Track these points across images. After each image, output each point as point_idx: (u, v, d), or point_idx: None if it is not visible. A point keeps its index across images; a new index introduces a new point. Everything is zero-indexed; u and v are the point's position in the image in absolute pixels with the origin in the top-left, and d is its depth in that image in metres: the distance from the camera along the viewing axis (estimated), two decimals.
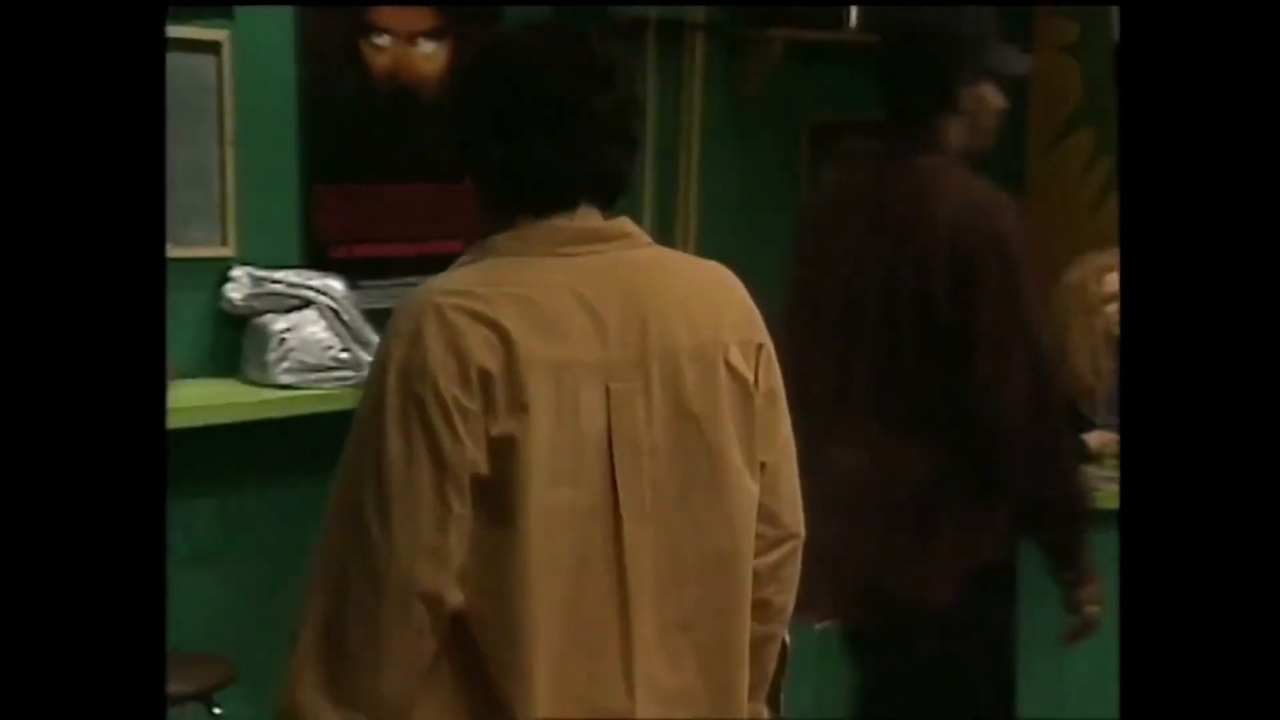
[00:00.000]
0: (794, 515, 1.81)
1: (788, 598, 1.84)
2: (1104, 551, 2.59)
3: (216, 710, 2.93)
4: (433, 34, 3.61)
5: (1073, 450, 2.69)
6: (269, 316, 3.18)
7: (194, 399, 2.99)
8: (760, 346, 1.75)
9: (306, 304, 3.19)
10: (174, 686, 2.53)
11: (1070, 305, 3.51)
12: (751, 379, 1.72)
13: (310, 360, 3.14)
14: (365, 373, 3.02)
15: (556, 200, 1.68)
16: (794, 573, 1.83)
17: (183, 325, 3.17)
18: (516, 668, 1.58)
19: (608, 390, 1.62)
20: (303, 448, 3.10)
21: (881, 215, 2.68)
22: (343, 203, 3.46)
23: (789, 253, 3.13)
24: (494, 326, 1.58)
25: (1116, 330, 3.30)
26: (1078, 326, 3.48)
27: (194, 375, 3.16)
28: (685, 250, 3.92)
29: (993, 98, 2.69)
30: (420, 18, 3.59)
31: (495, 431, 1.57)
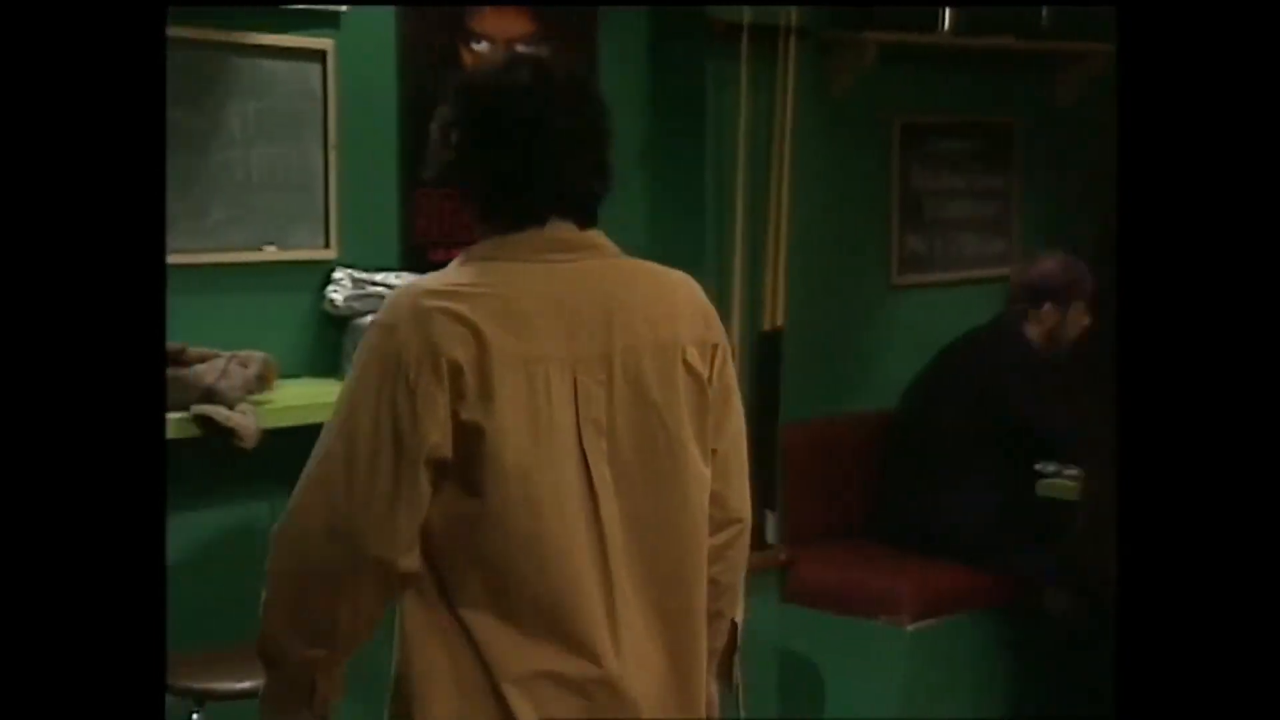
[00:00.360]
0: (742, 501, 1.99)
1: (735, 577, 2.01)
2: None
3: None
4: (530, 39, 3.67)
5: None
6: (370, 318, 3.24)
7: (296, 398, 3.05)
8: (716, 346, 1.95)
9: None
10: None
11: None
12: (707, 375, 1.91)
13: None
14: None
15: (527, 213, 1.86)
16: (740, 555, 2.01)
17: (286, 326, 3.26)
18: (502, 630, 1.78)
19: (575, 381, 1.81)
20: None
21: None
22: (441, 206, 3.53)
23: (878, 252, 3.14)
24: (467, 323, 1.76)
25: None
26: None
27: (296, 375, 3.23)
28: (778, 250, 3.98)
29: None
30: (518, 23, 3.65)
31: (465, 417, 1.75)
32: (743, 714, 3.75)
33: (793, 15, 3.95)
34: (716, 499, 1.95)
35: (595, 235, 1.92)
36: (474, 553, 1.79)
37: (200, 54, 3.07)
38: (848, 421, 4.32)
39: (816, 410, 4.22)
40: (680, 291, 1.96)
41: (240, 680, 2.62)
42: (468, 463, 1.77)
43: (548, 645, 1.79)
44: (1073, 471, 3.67)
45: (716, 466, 1.94)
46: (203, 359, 2.91)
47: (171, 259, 3.03)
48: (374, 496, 1.74)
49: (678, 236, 3.94)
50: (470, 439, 1.76)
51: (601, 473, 1.82)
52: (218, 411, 2.83)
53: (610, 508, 1.82)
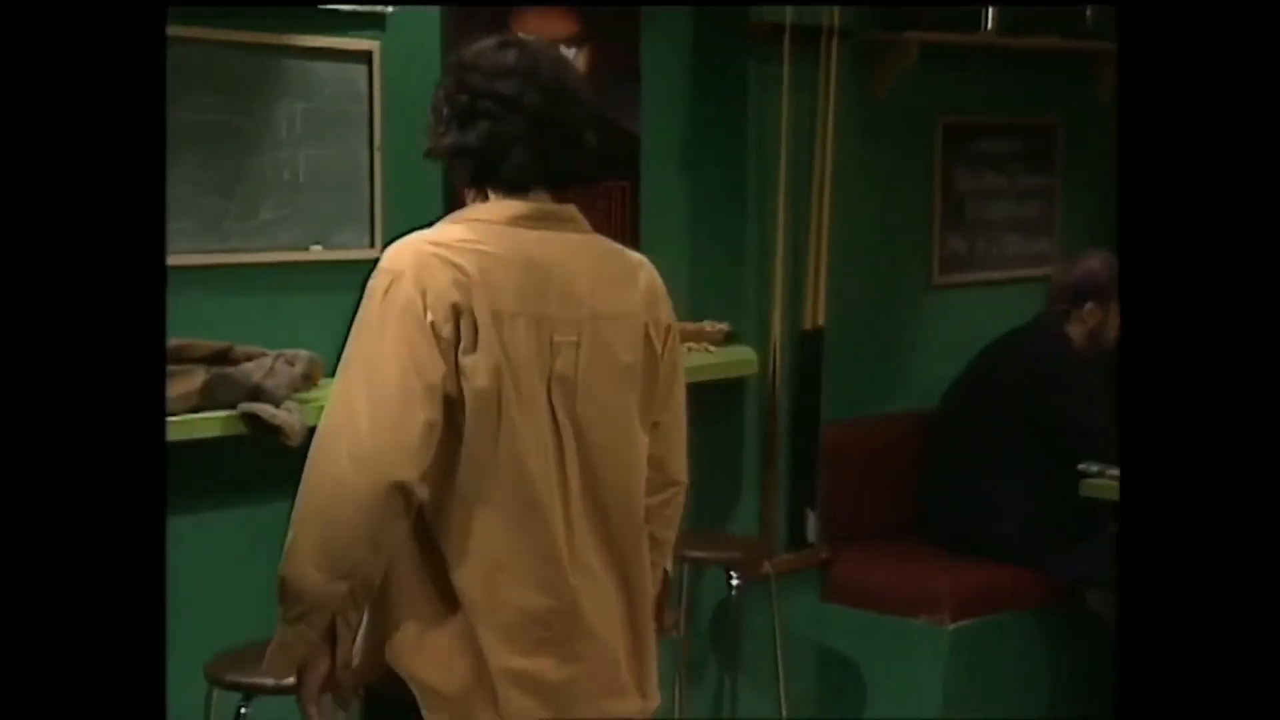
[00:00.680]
0: (681, 466, 2.20)
1: (670, 534, 2.21)
2: None
3: None
4: (574, 40, 3.69)
5: None
6: None
7: None
8: (669, 327, 2.13)
9: None
10: None
11: None
12: (660, 352, 2.09)
13: None
14: None
15: (507, 182, 2.03)
16: (675, 514, 2.21)
17: (331, 325, 3.27)
18: (465, 555, 1.93)
19: (551, 341, 1.97)
20: None
21: None
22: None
23: (919, 251, 3.13)
24: (463, 272, 1.93)
25: None
26: None
27: None
28: (819, 250, 3.99)
29: None
30: (562, 25, 3.67)
31: (462, 360, 1.92)
32: (784, 714, 3.76)
33: (834, 16, 3.96)
34: (659, 464, 2.15)
35: (572, 209, 2.08)
36: (451, 487, 1.93)
37: (248, 56, 3.11)
38: (888, 421, 4.32)
39: (857, 409, 4.23)
40: (642, 271, 2.12)
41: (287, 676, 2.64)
42: (457, 404, 1.92)
43: (514, 579, 1.95)
44: (1115, 471, 3.66)
45: (661, 435, 2.14)
46: (250, 357, 2.94)
47: (219, 259, 3.10)
48: (397, 425, 1.87)
49: (719, 236, 3.96)
50: (462, 378, 1.92)
51: (566, 425, 1.98)
52: (264, 409, 2.86)
53: (572, 457, 1.99)
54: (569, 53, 3.68)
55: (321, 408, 2.95)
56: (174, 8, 1.68)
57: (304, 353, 3.02)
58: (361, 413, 1.88)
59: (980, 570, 3.98)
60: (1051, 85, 4.65)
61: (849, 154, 4.08)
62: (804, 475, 4.04)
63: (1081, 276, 4.13)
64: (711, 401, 3.94)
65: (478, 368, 1.92)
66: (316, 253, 3.26)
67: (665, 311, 2.12)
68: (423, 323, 1.90)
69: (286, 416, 2.87)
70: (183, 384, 2.78)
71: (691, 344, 3.80)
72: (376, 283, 1.95)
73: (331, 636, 1.95)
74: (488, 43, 2.09)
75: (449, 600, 1.95)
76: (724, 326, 3.86)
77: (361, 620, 1.98)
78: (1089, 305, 4.11)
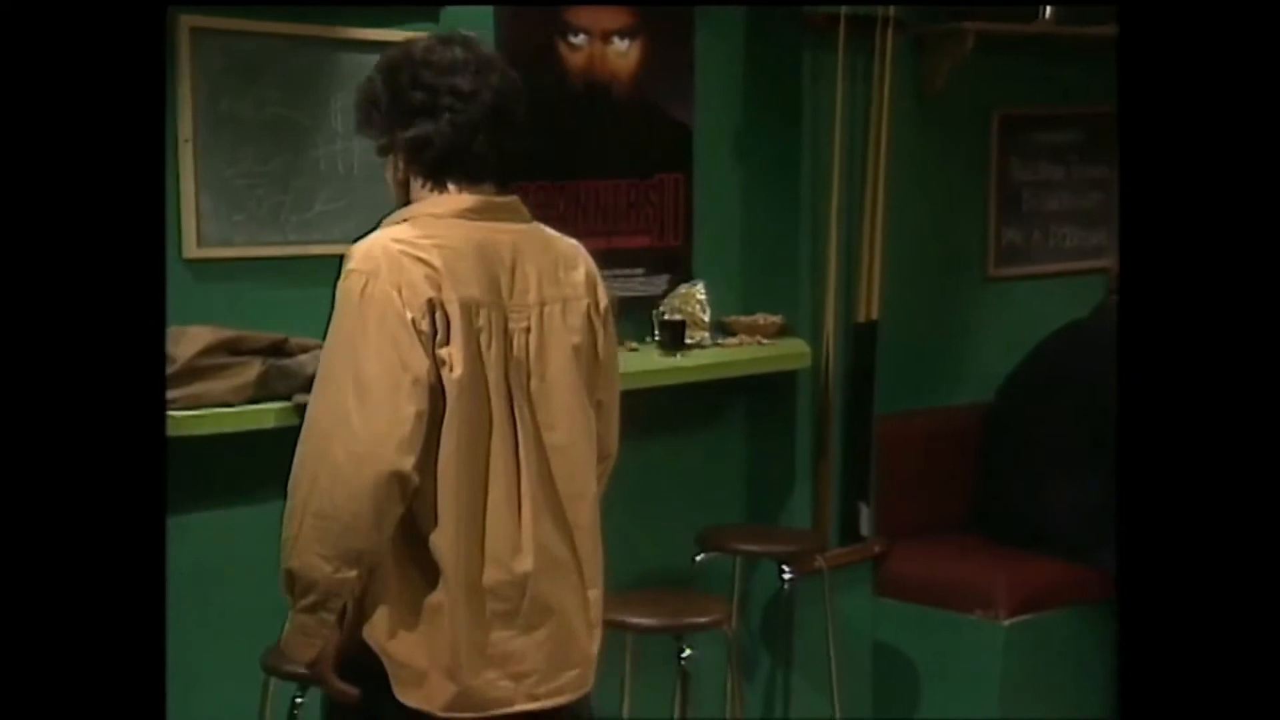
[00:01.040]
0: (614, 440, 2.35)
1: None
2: None
3: None
4: (627, 32, 3.68)
5: None
6: None
7: None
8: (607, 308, 2.26)
9: None
10: None
11: None
12: (601, 332, 2.23)
13: None
14: None
15: (466, 173, 2.12)
16: (603, 484, 2.35)
17: None
18: (443, 534, 2.03)
19: (506, 327, 2.07)
20: None
21: None
22: (536, 198, 3.56)
23: (974, 244, 3.10)
24: (431, 267, 2.02)
25: None
26: None
27: None
28: (874, 243, 3.96)
29: None
30: (615, 17, 3.66)
31: (439, 351, 2.01)
32: (837, 709, 3.74)
33: (890, 7, 3.93)
34: (600, 440, 2.28)
35: (517, 200, 2.20)
36: (429, 469, 2.02)
37: (304, 49, 3.12)
38: (943, 414, 4.29)
39: (911, 403, 4.20)
40: (579, 256, 2.25)
41: None
42: (438, 389, 2.02)
43: (479, 554, 2.07)
44: None
45: (603, 412, 2.27)
46: (305, 349, 2.96)
47: (275, 251, 3.12)
48: (389, 418, 1.96)
49: (772, 229, 3.94)
50: (441, 368, 2.02)
51: (522, 407, 2.10)
52: None
53: (527, 437, 2.10)
54: (622, 45, 3.68)
55: None
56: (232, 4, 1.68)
57: None
58: (352, 408, 1.96)
59: (1037, 566, 3.94)
60: (1110, 74, 4.59)
61: (904, 145, 4.05)
62: (857, 469, 4.02)
63: None
64: (764, 395, 3.93)
65: (455, 357, 2.02)
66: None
67: (604, 293, 2.26)
68: (403, 318, 1.99)
69: None
70: (239, 375, 2.80)
71: (744, 336, 3.78)
72: (350, 283, 2.02)
73: (343, 616, 2.06)
74: (428, 40, 2.16)
75: (421, 579, 2.05)
76: (777, 319, 3.84)
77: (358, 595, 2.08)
78: None
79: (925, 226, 4.23)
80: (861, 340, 4.00)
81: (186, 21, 2.95)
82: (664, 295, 3.76)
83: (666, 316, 3.65)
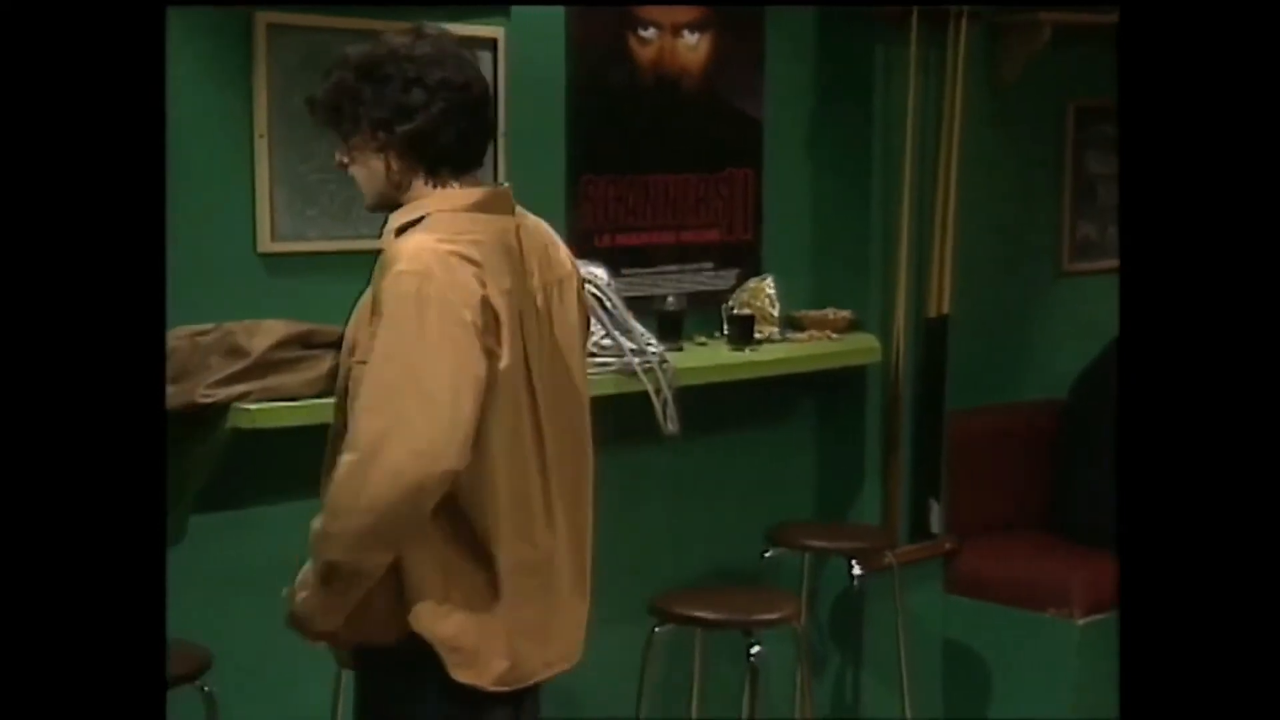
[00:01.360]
0: None
1: None
2: None
3: None
4: (697, 26, 3.67)
5: None
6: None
7: None
8: (584, 283, 2.34)
9: None
10: None
11: None
12: (583, 307, 2.29)
13: None
14: (626, 359, 3.14)
15: (464, 165, 2.14)
16: None
17: None
18: (494, 518, 2.08)
19: (522, 314, 2.10)
20: None
21: None
22: (606, 192, 3.56)
23: (1048, 238, 3.05)
24: (476, 264, 2.04)
25: None
26: None
27: None
28: (945, 236, 3.93)
29: None
30: (685, 10, 3.65)
31: (490, 345, 2.03)
32: (907, 707, 3.72)
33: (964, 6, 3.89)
34: None
35: (509, 189, 2.26)
36: (477, 456, 2.04)
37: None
38: (1015, 410, 4.24)
39: (983, 399, 4.16)
40: (555, 234, 2.29)
41: None
42: (489, 383, 2.05)
43: (517, 534, 2.11)
44: None
45: None
46: None
47: (347, 245, 3.14)
48: (452, 419, 1.98)
49: (843, 223, 3.91)
50: (492, 360, 2.04)
51: (538, 388, 2.13)
52: None
53: (546, 413, 2.14)
54: (692, 38, 3.67)
55: None
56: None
57: None
58: (414, 410, 1.97)
59: (1113, 564, 3.88)
60: None
61: (977, 138, 4.01)
62: (927, 465, 3.98)
63: None
64: (834, 390, 3.90)
65: (502, 350, 2.05)
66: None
67: (578, 270, 2.31)
68: (460, 318, 2.00)
69: None
70: (311, 369, 2.82)
71: (814, 331, 3.76)
72: (404, 285, 2.01)
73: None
74: (403, 36, 2.16)
75: (466, 561, 2.09)
76: (847, 314, 3.82)
77: None
78: None
79: (998, 220, 4.19)
80: (932, 335, 3.97)
81: (262, 18, 2.97)
82: (733, 290, 3.74)
83: (735, 311, 3.64)
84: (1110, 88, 4.43)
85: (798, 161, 3.90)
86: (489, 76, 3.28)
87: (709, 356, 3.50)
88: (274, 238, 3.03)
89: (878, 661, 3.85)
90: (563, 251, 2.27)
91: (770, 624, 3.12)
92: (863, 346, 3.80)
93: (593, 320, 3.28)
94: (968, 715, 3.99)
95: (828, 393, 3.92)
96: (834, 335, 3.77)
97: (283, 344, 2.78)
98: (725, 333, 3.63)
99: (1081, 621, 3.82)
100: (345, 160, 2.18)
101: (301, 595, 2.13)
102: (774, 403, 3.83)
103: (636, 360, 3.16)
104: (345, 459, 2.00)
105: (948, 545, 4.02)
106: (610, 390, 3.13)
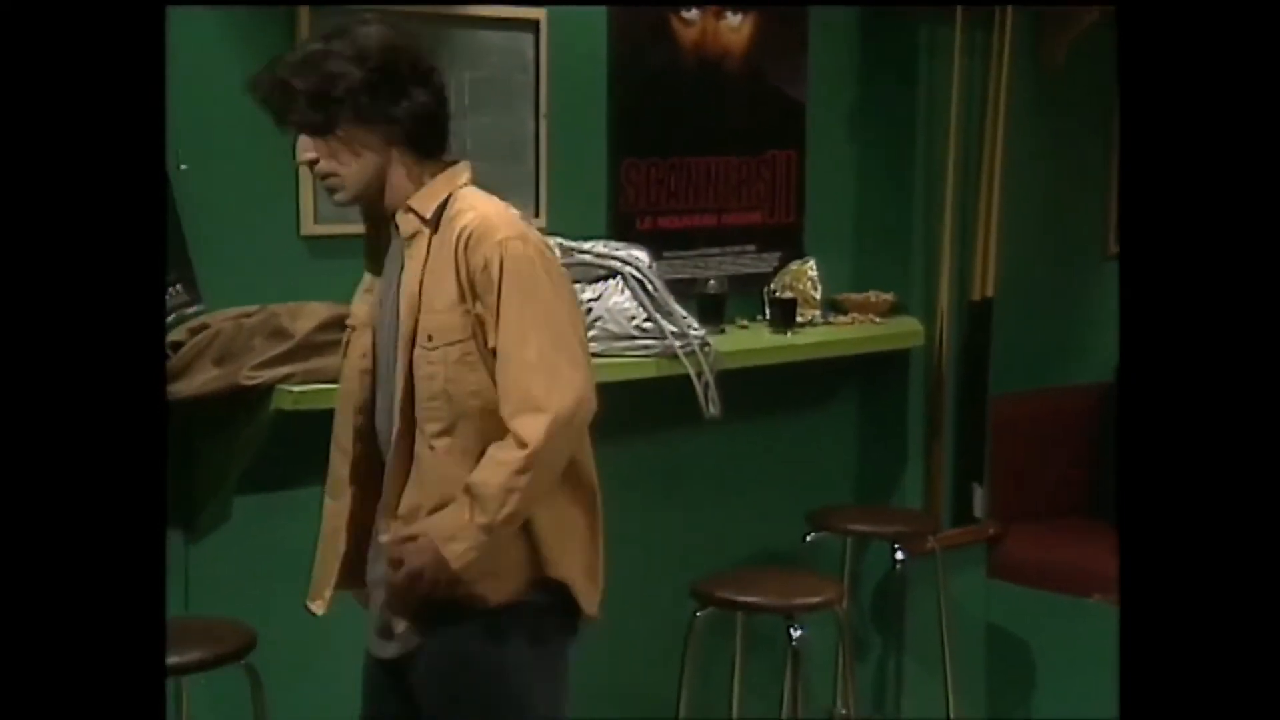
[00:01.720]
0: None
1: None
2: None
3: None
4: (740, 7, 3.66)
5: None
6: (576, 285, 3.28)
7: None
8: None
9: (612, 274, 3.25)
10: None
11: None
12: None
13: (615, 329, 3.20)
14: (667, 342, 3.13)
15: (445, 144, 2.23)
16: None
17: None
18: (590, 457, 2.24)
19: None
20: (607, 414, 3.21)
21: None
22: (647, 175, 3.55)
23: (1093, 221, 3.02)
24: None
25: None
26: None
27: None
28: (989, 219, 3.90)
29: None
30: None
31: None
32: (950, 691, 3.70)
33: None
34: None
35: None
36: None
37: (419, 26, 3.14)
38: (1059, 394, 4.21)
39: (1026, 382, 4.13)
40: None
41: None
42: None
43: (593, 474, 2.27)
44: None
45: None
46: None
47: None
48: (585, 363, 2.17)
49: (886, 205, 3.89)
50: None
51: None
52: None
53: None
54: (735, 20, 3.65)
55: None
56: None
57: None
58: (561, 362, 2.12)
59: None
60: None
61: (1022, 120, 3.98)
62: (971, 449, 3.96)
63: None
64: (877, 373, 3.89)
65: None
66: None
67: None
68: (565, 273, 2.21)
69: None
70: None
71: (856, 315, 3.75)
72: (521, 249, 2.13)
73: None
74: (377, 26, 2.18)
75: (576, 503, 2.22)
76: (890, 297, 3.80)
77: None
78: None
79: (1043, 202, 4.16)
80: (976, 318, 3.94)
81: None
82: (775, 273, 3.73)
83: (778, 294, 3.63)
84: None
85: (841, 143, 3.88)
86: (530, 59, 3.32)
87: (751, 340, 3.49)
88: (316, 220, 3.04)
89: (920, 647, 3.84)
90: None
91: (812, 608, 3.11)
92: (906, 330, 3.79)
93: (634, 303, 3.29)
94: (1011, 699, 3.97)
95: (870, 376, 3.91)
96: (876, 319, 3.75)
97: (326, 326, 2.79)
98: (767, 316, 3.62)
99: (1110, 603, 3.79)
100: (314, 156, 2.15)
101: (463, 548, 2.11)
102: (816, 386, 3.81)
103: (678, 343, 3.15)
104: (530, 420, 2.08)
105: (991, 530, 4.00)
106: (651, 373, 3.12)
